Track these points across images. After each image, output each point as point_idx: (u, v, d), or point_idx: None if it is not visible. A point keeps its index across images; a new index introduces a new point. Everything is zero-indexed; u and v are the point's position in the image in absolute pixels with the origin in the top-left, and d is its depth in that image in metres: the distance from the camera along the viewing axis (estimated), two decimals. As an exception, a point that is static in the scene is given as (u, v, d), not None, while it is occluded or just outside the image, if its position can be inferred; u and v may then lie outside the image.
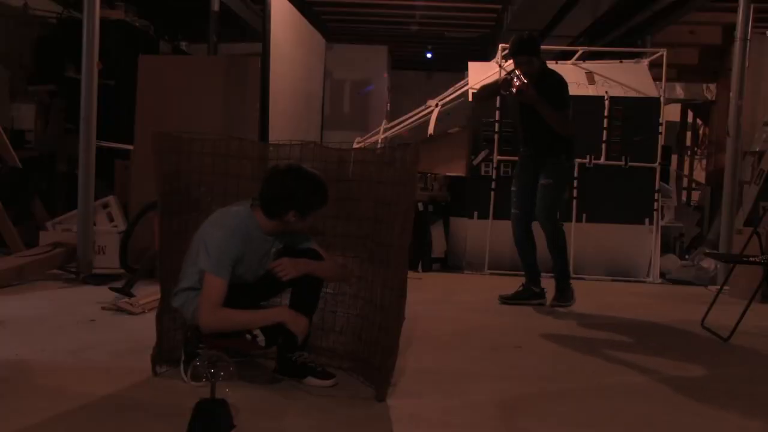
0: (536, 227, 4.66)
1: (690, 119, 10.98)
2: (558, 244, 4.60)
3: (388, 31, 10.33)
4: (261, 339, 2.60)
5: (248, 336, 2.61)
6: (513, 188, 4.72)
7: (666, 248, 7.16)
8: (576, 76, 6.25)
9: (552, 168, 4.55)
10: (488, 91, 4.90)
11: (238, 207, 2.73)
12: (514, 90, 4.35)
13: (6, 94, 6.96)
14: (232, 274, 2.62)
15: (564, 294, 4.64)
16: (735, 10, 5.86)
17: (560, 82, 4.53)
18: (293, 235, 2.81)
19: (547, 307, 4.61)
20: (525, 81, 4.32)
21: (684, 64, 9.35)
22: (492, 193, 6.24)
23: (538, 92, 4.36)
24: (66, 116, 7.05)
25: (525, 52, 4.44)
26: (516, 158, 6.17)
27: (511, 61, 6.39)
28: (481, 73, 6.52)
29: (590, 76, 6.48)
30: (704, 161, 10.62)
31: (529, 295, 4.69)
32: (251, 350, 2.84)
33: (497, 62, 6.44)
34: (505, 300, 4.71)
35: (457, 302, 4.87)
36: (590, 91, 6.35)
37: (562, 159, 4.56)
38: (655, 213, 6.27)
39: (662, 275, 6.35)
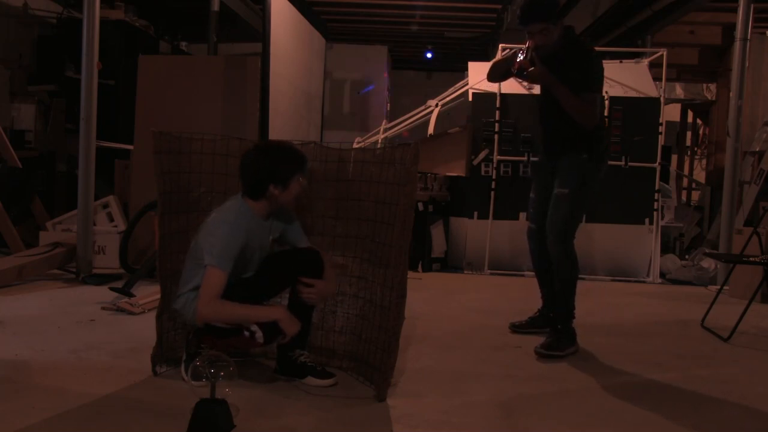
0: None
1: (690, 119, 10.99)
2: (566, 272, 3.56)
3: (388, 31, 10.34)
4: (259, 335, 2.60)
5: (246, 333, 2.61)
6: (531, 195, 3.84)
7: (666, 248, 7.16)
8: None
9: (569, 171, 3.54)
10: (501, 71, 3.80)
11: (230, 202, 2.76)
12: (514, 69, 3.54)
13: (6, 94, 6.96)
14: (234, 263, 2.64)
15: (561, 338, 3.51)
16: (735, 10, 5.87)
17: (588, 56, 3.51)
18: (284, 216, 2.83)
19: (535, 354, 3.44)
20: (530, 56, 3.47)
21: (684, 64, 9.37)
22: (492, 193, 6.24)
23: (560, 70, 3.44)
24: (66, 116, 7.06)
25: (537, 19, 3.42)
26: (515, 158, 6.29)
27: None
28: (481, 73, 6.50)
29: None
30: (704, 161, 10.63)
31: (545, 323, 3.81)
32: (251, 348, 2.84)
33: (497, 62, 6.43)
34: (517, 328, 3.89)
35: (456, 302, 4.87)
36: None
37: (582, 159, 3.52)
38: (655, 213, 6.27)
39: (662, 275, 6.35)
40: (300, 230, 2.91)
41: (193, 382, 2.65)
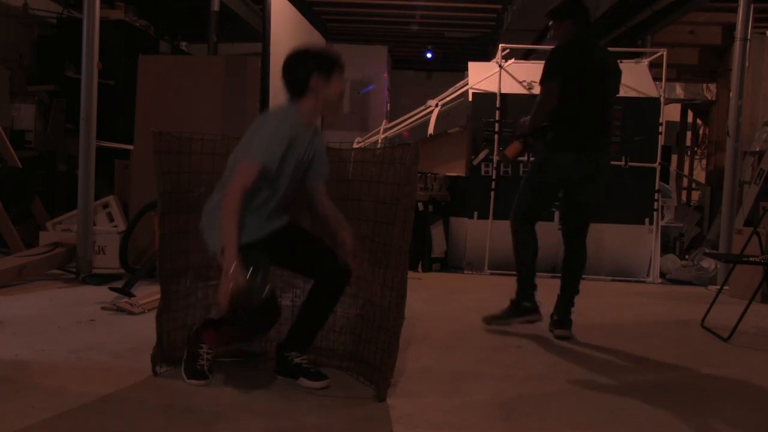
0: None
1: (690, 119, 10.99)
2: (514, 248, 3.98)
3: (388, 31, 10.34)
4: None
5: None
6: None
7: (666, 248, 7.16)
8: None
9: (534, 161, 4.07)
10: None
11: (278, 106, 2.79)
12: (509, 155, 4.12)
13: (6, 94, 6.96)
14: (280, 168, 2.63)
15: (509, 310, 3.98)
16: (735, 10, 5.87)
17: (551, 52, 3.91)
18: (319, 140, 2.85)
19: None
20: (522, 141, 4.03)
21: (684, 64, 9.37)
22: (492, 193, 6.25)
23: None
24: (66, 116, 7.06)
25: (547, 16, 4.00)
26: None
27: (511, 61, 6.50)
28: (481, 73, 6.52)
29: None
30: (704, 161, 10.64)
31: (562, 318, 3.99)
32: (248, 335, 2.80)
33: (497, 62, 6.44)
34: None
35: (457, 302, 4.87)
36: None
37: (541, 150, 3.96)
38: (655, 213, 6.27)
39: (662, 275, 6.35)
40: (326, 161, 2.88)
41: (191, 381, 2.65)
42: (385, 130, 7.18)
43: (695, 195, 10.55)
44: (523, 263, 3.97)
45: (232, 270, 2.48)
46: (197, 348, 2.72)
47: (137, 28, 7.52)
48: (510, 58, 6.51)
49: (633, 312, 4.78)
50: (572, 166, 3.84)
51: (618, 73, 4.00)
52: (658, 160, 6.29)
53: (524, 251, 3.95)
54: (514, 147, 4.05)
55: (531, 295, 3.97)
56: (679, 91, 9.58)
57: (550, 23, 3.98)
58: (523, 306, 3.95)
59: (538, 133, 3.93)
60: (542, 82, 3.83)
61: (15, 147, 6.05)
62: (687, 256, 6.97)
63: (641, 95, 6.30)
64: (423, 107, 7.02)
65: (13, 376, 2.76)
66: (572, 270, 3.93)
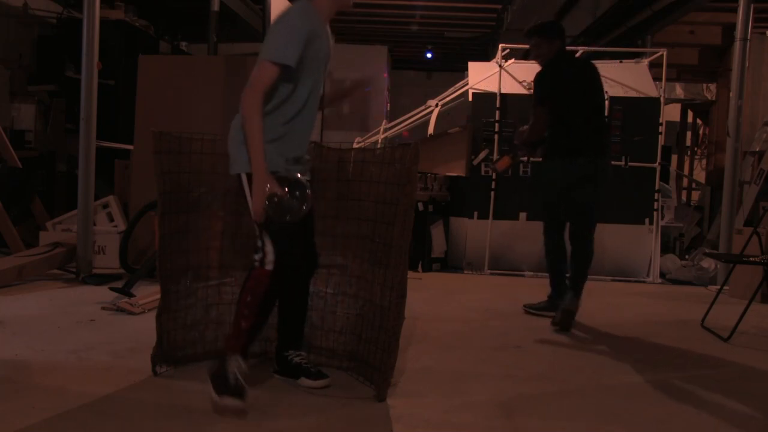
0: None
1: (690, 119, 10.99)
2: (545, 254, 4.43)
3: (388, 31, 10.34)
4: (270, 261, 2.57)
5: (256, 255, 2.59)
6: None
7: (666, 248, 7.16)
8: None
9: None
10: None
11: (292, 5, 2.65)
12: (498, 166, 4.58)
13: (6, 94, 6.96)
14: (303, 65, 2.51)
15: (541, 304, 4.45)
16: (735, 10, 5.87)
17: (539, 76, 4.19)
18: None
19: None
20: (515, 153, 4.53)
21: (684, 64, 9.37)
22: (492, 193, 6.25)
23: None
24: (66, 116, 7.06)
25: (532, 34, 4.24)
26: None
27: (511, 61, 6.50)
28: (481, 73, 6.52)
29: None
30: (704, 161, 10.64)
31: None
32: (275, 297, 2.70)
33: (497, 62, 6.44)
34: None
35: (456, 302, 4.87)
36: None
37: (540, 156, 4.34)
38: (655, 213, 6.27)
39: (662, 275, 6.35)
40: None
41: (226, 399, 2.43)
42: (385, 130, 7.17)
43: (695, 195, 10.55)
44: (552, 265, 4.36)
45: (265, 181, 2.41)
46: (226, 365, 2.51)
47: (137, 28, 7.52)
48: (510, 58, 6.51)
49: (633, 312, 4.78)
50: (570, 168, 4.07)
51: (598, 76, 4.21)
52: (658, 160, 6.28)
53: (551, 256, 4.34)
54: (504, 161, 4.43)
55: (563, 293, 4.25)
56: (679, 91, 9.58)
57: (535, 41, 4.17)
58: (557, 303, 4.24)
59: (532, 145, 4.24)
60: (534, 106, 4.14)
61: (15, 147, 6.05)
62: (687, 256, 6.97)
63: (641, 95, 6.30)
64: (423, 107, 7.01)
65: (13, 376, 2.76)
66: (579, 264, 4.21)
